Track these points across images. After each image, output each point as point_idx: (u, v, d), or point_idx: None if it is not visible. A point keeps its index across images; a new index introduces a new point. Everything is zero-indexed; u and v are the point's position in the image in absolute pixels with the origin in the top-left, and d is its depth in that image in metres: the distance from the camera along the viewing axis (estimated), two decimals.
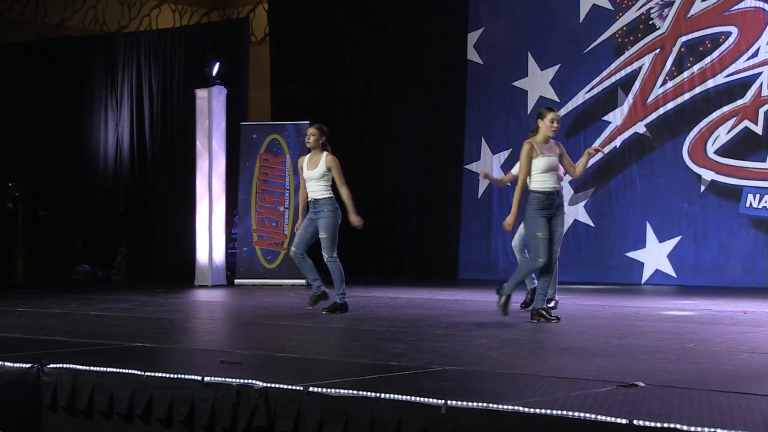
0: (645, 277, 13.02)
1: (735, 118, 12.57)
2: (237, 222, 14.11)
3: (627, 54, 13.27)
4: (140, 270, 15.34)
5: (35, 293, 12.08)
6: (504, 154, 13.77)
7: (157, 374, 5.06)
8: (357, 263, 14.55)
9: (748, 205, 12.48)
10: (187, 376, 4.97)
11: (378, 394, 4.38)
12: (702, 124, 12.75)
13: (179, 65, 15.12)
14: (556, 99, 13.62)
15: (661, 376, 5.08)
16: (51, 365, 5.41)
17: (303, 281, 13.28)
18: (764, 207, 12.36)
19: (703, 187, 12.71)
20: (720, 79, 12.67)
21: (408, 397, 4.30)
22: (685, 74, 12.88)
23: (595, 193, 13.42)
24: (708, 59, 12.75)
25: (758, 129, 12.42)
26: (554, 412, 3.97)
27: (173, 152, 15.02)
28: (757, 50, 12.49)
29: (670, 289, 12.33)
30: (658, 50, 13.10)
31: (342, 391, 4.50)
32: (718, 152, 12.66)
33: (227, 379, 4.83)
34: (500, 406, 4.09)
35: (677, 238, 12.85)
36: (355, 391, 4.47)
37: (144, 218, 15.36)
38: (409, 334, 7.26)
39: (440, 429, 4.16)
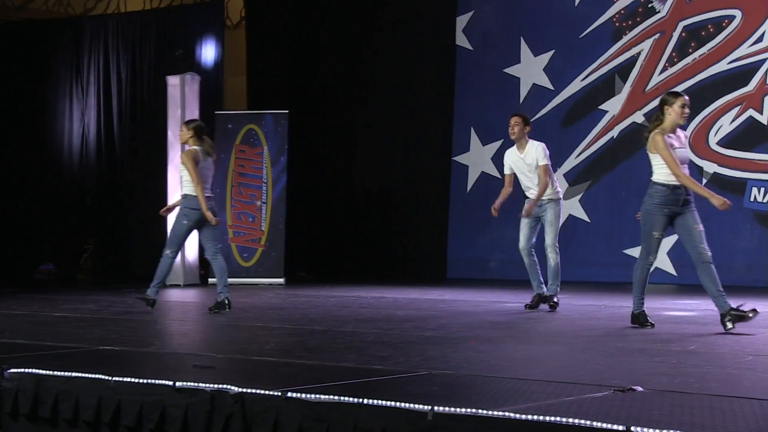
0: None
1: (739, 107, 12.61)
2: None
3: (625, 39, 13.29)
4: (108, 268, 15.31)
5: None
6: (495, 145, 13.75)
7: (125, 379, 5.05)
8: (339, 262, 14.59)
9: (752, 199, 12.52)
10: (157, 382, 4.97)
11: (361, 400, 4.39)
12: (704, 113, 12.77)
13: (149, 50, 15.09)
14: (550, 87, 13.63)
15: (661, 381, 5.11)
16: (12, 370, 5.39)
17: (281, 280, 13.30)
18: None
19: (705, 180, 12.73)
20: (723, 65, 12.70)
21: (393, 403, 4.31)
22: (687, 60, 12.92)
23: (591, 186, 13.45)
24: (710, 44, 12.79)
25: (763, 119, 12.45)
26: (547, 418, 3.98)
27: (143, 143, 14.99)
28: (762, 35, 12.51)
29: (670, 287, 12.36)
30: (657, 35, 13.13)
31: (323, 396, 4.50)
32: (721, 143, 12.69)
33: (200, 385, 4.83)
34: (490, 413, 4.11)
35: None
36: (336, 397, 4.47)
37: (112, 213, 15.33)
38: (395, 336, 7.27)
39: None
